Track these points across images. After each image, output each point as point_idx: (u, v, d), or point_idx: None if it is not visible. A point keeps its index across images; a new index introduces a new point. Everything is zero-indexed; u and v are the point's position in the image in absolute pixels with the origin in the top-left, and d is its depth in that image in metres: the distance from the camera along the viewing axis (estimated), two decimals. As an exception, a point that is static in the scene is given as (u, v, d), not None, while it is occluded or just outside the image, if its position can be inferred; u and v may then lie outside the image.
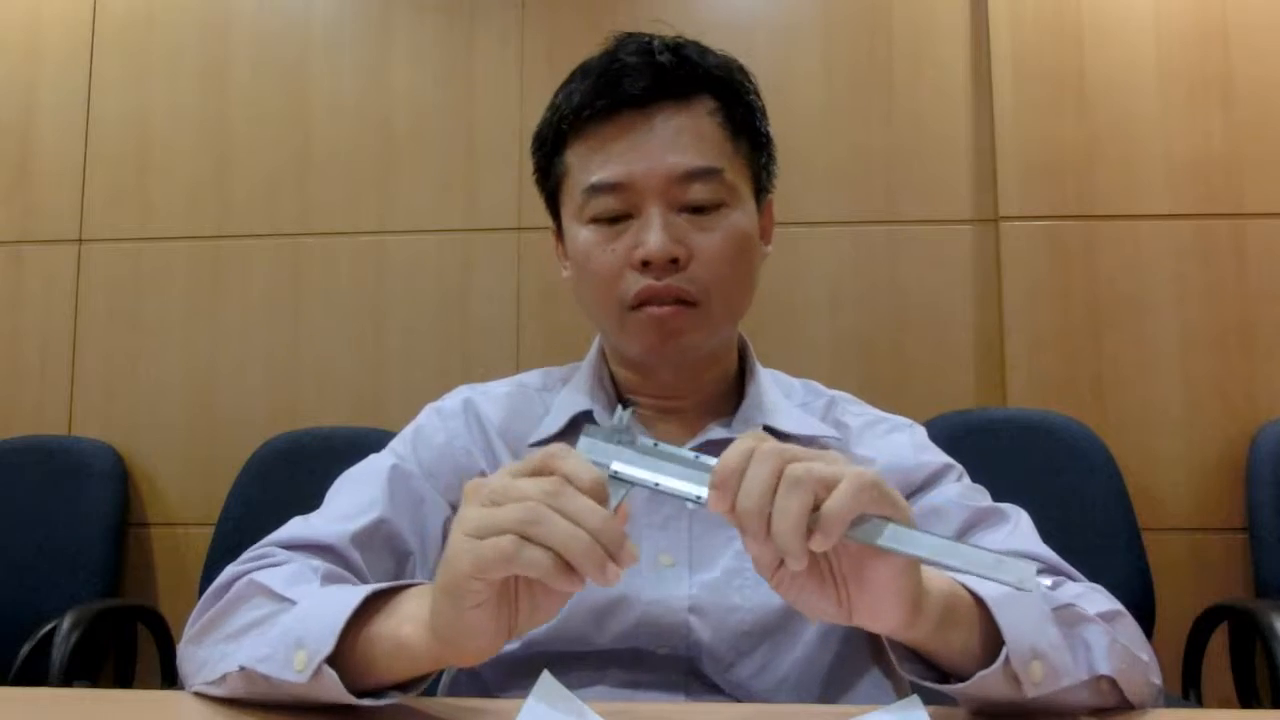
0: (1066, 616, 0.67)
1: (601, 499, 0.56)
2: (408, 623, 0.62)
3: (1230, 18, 2.03)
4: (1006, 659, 0.61)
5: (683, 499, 0.57)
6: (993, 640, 0.63)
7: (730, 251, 0.83)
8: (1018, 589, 0.53)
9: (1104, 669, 0.66)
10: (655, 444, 0.59)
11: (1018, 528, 0.84)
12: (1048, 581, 0.68)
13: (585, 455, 0.58)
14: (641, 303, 0.82)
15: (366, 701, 0.62)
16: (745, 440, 0.57)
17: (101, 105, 2.25)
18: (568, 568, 0.54)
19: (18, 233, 2.23)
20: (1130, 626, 0.72)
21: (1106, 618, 0.71)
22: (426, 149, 2.18)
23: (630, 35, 0.86)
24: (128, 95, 2.25)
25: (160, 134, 2.23)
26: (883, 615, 0.58)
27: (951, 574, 0.61)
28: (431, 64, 2.21)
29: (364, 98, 2.21)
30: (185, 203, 2.21)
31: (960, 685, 0.63)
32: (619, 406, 0.61)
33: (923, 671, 0.65)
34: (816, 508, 0.53)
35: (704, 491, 0.57)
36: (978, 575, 0.53)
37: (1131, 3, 2.05)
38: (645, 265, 0.81)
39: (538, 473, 0.57)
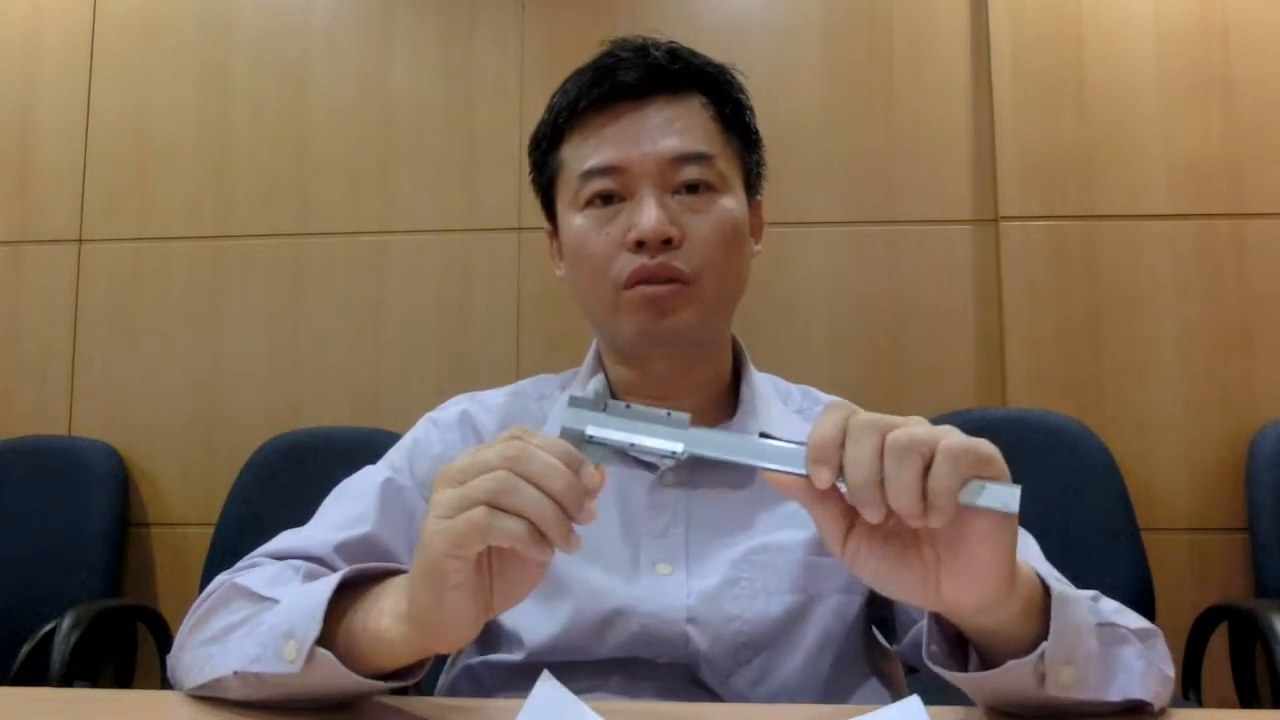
0: (1108, 634, 0.67)
1: (571, 461, 0.56)
2: (386, 615, 0.62)
3: (1230, 18, 2.03)
4: (1043, 654, 0.60)
5: (659, 455, 0.58)
6: (1040, 632, 0.62)
7: (722, 235, 0.85)
8: (1004, 513, 0.53)
9: (1139, 694, 0.66)
10: (628, 405, 0.59)
11: (1025, 551, 0.83)
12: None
13: (565, 425, 0.59)
14: (635, 283, 0.83)
15: (364, 680, 0.62)
16: (834, 412, 0.56)
17: (101, 105, 2.25)
18: (541, 535, 0.55)
19: (18, 233, 2.23)
20: (1161, 645, 0.72)
21: (1142, 636, 0.70)
22: (426, 149, 2.18)
23: (625, 38, 0.89)
24: (128, 95, 2.25)
25: (160, 134, 2.23)
26: (979, 583, 0.57)
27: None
28: (431, 64, 2.21)
29: (364, 98, 2.21)
30: (185, 203, 2.21)
31: (983, 673, 0.62)
32: (595, 378, 0.61)
33: (946, 662, 0.65)
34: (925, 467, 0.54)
35: (678, 446, 0.57)
36: (1013, 513, 0.53)
37: (1131, 3, 2.05)
38: (639, 246, 0.82)
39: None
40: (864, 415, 0.56)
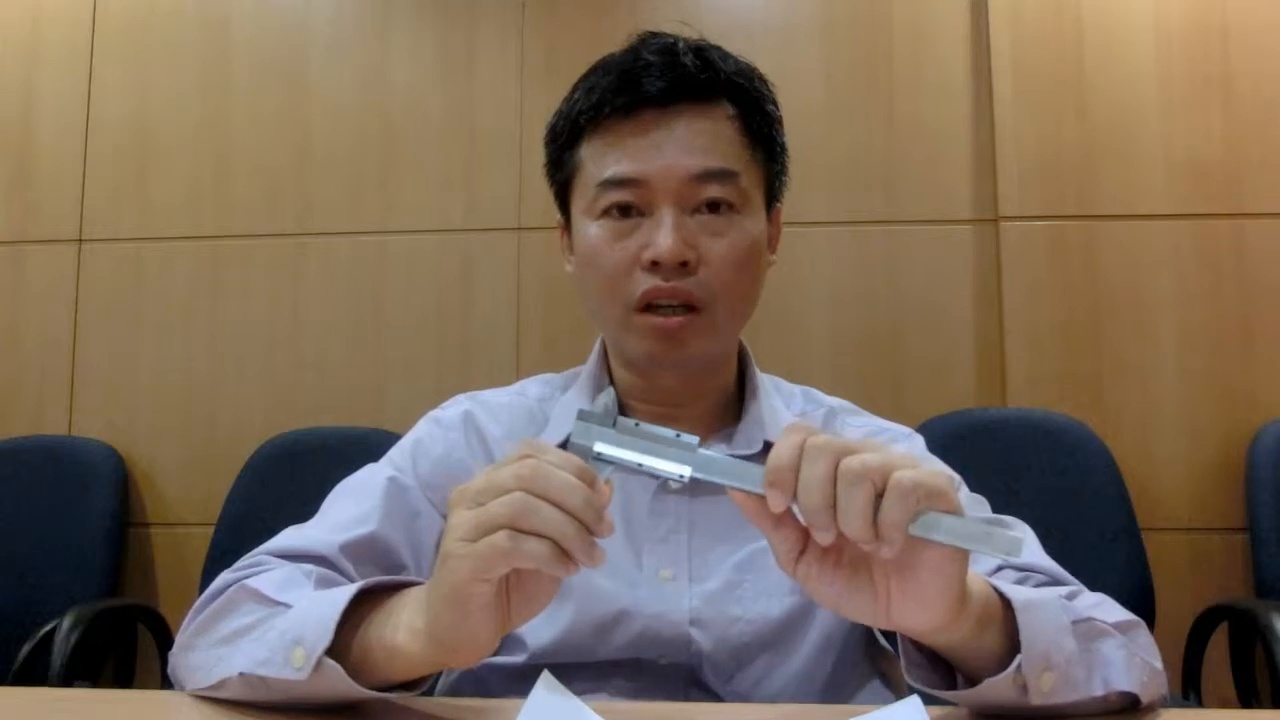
0: (1086, 630, 0.67)
1: (585, 476, 0.56)
2: (402, 630, 0.62)
3: (1230, 17, 2.03)
4: (1019, 666, 0.61)
5: (666, 478, 0.58)
6: (1012, 644, 0.62)
7: (739, 259, 0.83)
8: (1005, 560, 0.53)
9: (1124, 685, 0.66)
10: (637, 424, 0.59)
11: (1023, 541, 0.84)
12: (1024, 551, 0.68)
13: (574, 440, 0.59)
14: (648, 304, 0.82)
15: (370, 693, 0.62)
16: (792, 434, 0.56)
17: (101, 105, 2.25)
18: (564, 553, 0.55)
19: (18, 233, 2.23)
20: (1144, 636, 0.72)
21: (1123, 628, 0.70)
22: (426, 149, 2.18)
23: (654, 34, 0.86)
24: (128, 95, 2.25)
25: (160, 134, 2.23)
26: (927, 610, 0.57)
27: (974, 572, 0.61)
28: (431, 64, 2.21)
29: (364, 98, 2.21)
30: (185, 203, 2.21)
31: (967, 691, 0.62)
32: (605, 391, 0.61)
33: (929, 678, 0.65)
34: (878, 495, 0.54)
35: (687, 470, 0.57)
36: (964, 547, 0.54)
37: (1131, 3, 2.05)
38: (654, 266, 0.81)
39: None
40: (820, 438, 0.56)
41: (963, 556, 0.57)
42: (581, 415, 0.60)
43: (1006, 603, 0.63)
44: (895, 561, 0.56)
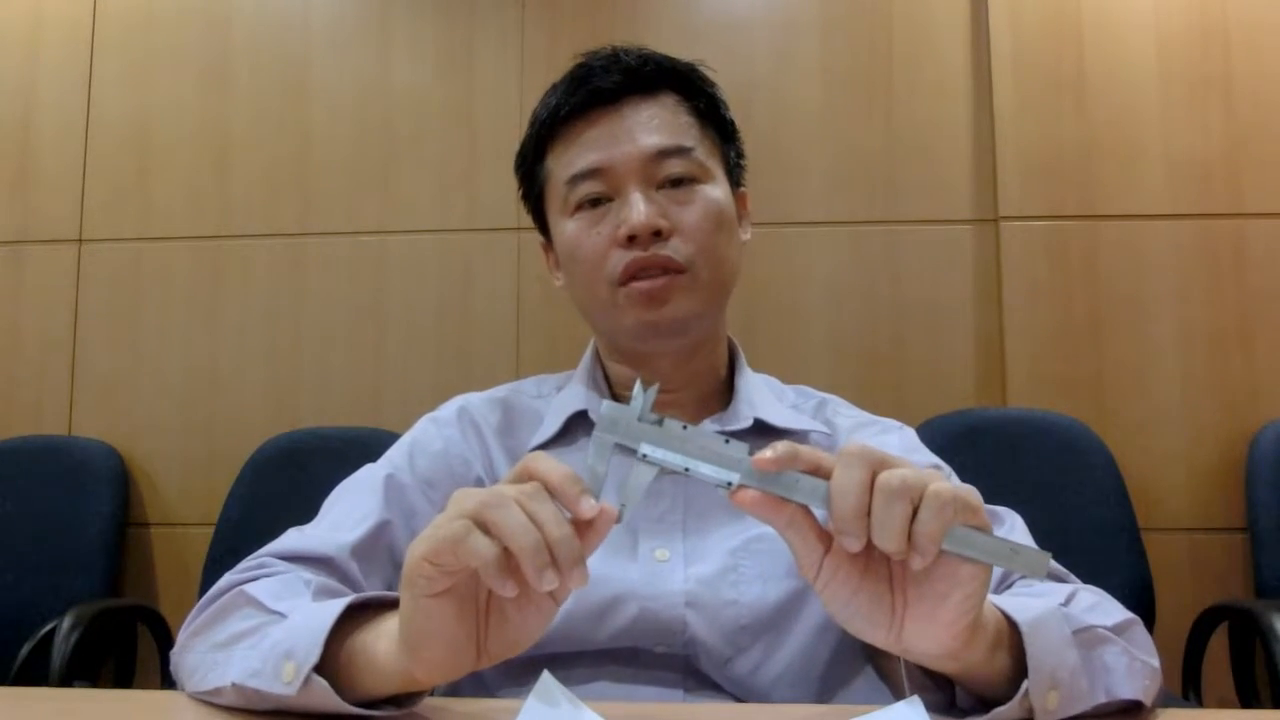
0: (1087, 639, 0.66)
1: (572, 499, 0.55)
2: (384, 637, 0.62)
3: (1230, 17, 2.03)
4: (1025, 693, 0.60)
5: (714, 483, 0.56)
6: (1018, 662, 0.62)
7: (710, 223, 0.87)
8: (1030, 577, 0.53)
9: (1126, 693, 0.66)
10: (685, 426, 0.57)
11: (1012, 530, 0.85)
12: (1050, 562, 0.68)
13: (609, 435, 0.57)
14: (630, 276, 0.85)
15: (359, 710, 0.62)
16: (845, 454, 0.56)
17: (101, 105, 2.25)
18: (508, 568, 0.54)
19: (18, 233, 2.23)
20: (1141, 634, 0.72)
21: (1120, 630, 0.70)
22: (426, 149, 2.18)
23: (595, 50, 0.92)
24: (128, 95, 2.25)
25: (160, 134, 2.23)
26: (942, 630, 0.57)
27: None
28: (431, 64, 2.21)
29: (364, 97, 2.21)
30: (185, 203, 2.21)
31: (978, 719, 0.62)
32: (638, 385, 0.59)
33: (931, 699, 0.64)
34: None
35: (734, 477, 0.56)
36: (995, 565, 0.54)
37: (1131, 3, 2.05)
38: (630, 240, 0.85)
39: (519, 479, 0.57)
40: (855, 447, 0.56)
41: (985, 576, 0.57)
42: (608, 407, 0.58)
43: (1011, 621, 0.63)
44: (917, 576, 0.56)
